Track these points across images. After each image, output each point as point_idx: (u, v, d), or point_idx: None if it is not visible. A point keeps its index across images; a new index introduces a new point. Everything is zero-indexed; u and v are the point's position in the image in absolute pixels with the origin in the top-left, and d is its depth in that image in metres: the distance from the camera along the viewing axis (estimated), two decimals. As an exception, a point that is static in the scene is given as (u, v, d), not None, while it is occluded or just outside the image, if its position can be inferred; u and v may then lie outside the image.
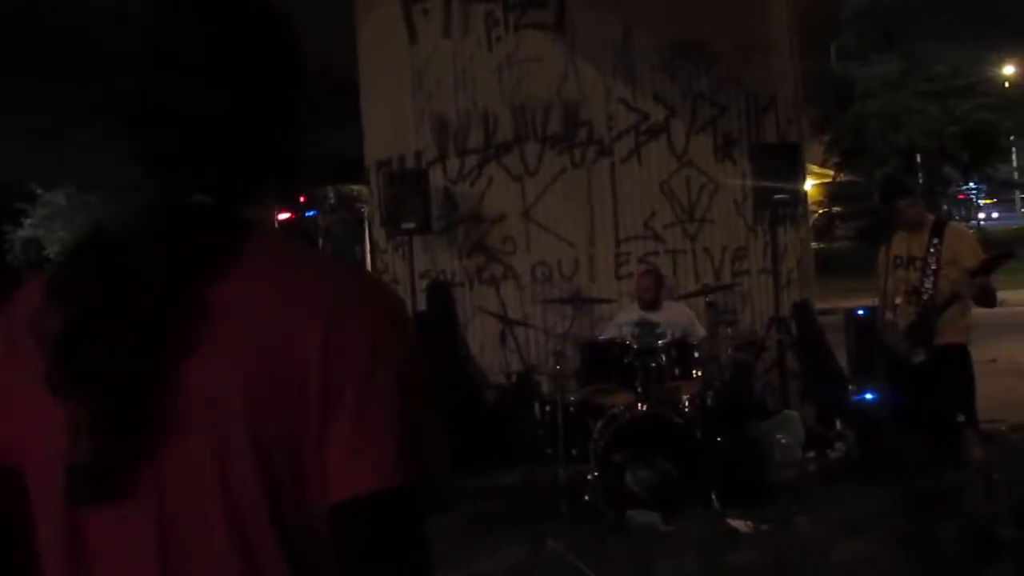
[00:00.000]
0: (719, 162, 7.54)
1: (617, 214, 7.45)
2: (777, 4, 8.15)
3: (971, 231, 7.86)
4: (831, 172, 31.40)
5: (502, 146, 7.58)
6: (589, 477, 5.62)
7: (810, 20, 10.06)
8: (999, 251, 5.63)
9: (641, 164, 7.46)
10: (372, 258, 9.30)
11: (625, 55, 7.44)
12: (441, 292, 7.70)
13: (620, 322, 6.52)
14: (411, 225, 7.23)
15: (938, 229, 5.48)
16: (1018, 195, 46.00)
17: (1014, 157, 34.06)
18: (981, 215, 43.36)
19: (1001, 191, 42.28)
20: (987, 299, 5.16)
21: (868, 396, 6.16)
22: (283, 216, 52.26)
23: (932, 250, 5.40)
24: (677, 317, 6.61)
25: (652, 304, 6.60)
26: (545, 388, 6.85)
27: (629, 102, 7.46)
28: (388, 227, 7.87)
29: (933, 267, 5.38)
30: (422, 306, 7.58)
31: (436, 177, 7.67)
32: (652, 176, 7.45)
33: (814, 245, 8.95)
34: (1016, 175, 37.20)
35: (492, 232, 7.61)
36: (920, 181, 28.00)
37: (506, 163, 7.57)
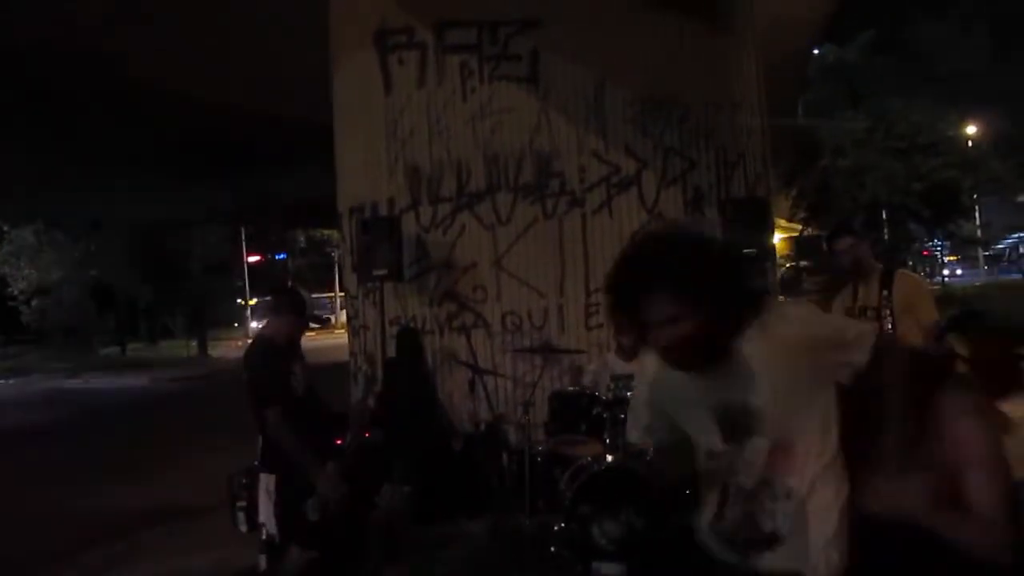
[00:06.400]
0: (689, 215, 7.62)
1: (588, 265, 7.48)
2: (747, 61, 8.31)
3: (922, 279, 7.94)
4: (798, 226, 31.79)
5: (474, 195, 7.61)
6: (555, 528, 5.59)
7: (779, 77, 10.25)
8: (965, 310, 5.70)
9: (612, 216, 7.51)
10: (344, 303, 9.28)
11: (597, 108, 7.53)
12: (411, 339, 7.69)
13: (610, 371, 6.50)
14: (382, 272, 7.24)
15: (887, 278, 5.55)
16: (981, 252, 46.82)
17: (977, 215, 34.67)
18: (945, 272, 44.15)
19: (964, 248, 43.11)
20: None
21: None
22: (253, 259, 51.79)
23: (884, 300, 5.47)
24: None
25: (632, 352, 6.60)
26: (513, 437, 6.83)
27: (601, 154, 7.53)
28: (359, 273, 7.86)
29: (889, 318, 5.44)
30: (391, 353, 7.56)
31: (408, 224, 7.69)
32: (623, 228, 7.49)
33: (782, 298, 9.01)
34: (979, 233, 37.86)
35: (463, 280, 7.61)
36: (886, 237, 28.43)
37: (478, 212, 7.59)
